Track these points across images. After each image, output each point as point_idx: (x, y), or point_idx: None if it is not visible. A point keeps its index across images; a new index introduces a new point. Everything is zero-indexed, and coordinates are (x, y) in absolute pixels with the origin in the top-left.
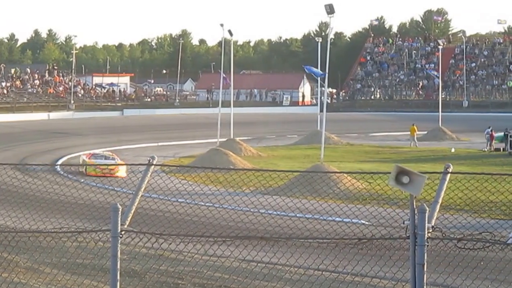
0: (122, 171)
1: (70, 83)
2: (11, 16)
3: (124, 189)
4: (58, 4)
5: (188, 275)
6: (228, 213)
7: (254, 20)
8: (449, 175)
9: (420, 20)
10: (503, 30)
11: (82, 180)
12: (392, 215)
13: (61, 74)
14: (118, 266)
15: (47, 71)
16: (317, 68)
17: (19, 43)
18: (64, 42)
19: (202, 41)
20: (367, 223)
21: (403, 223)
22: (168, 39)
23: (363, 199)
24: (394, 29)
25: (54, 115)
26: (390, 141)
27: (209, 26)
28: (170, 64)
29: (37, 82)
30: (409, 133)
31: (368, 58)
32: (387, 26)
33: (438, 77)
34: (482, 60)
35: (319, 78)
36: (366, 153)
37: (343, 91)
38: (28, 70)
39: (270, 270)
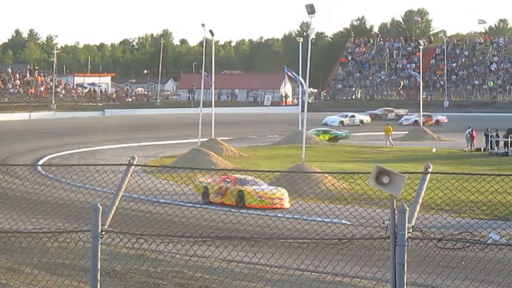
0: (286, 202)
1: (51, 83)
2: None
3: (104, 189)
4: (39, 4)
5: (169, 275)
6: (209, 213)
7: (235, 20)
8: (429, 175)
9: (401, 20)
10: (483, 30)
11: (63, 180)
12: (373, 215)
13: (42, 74)
14: (99, 267)
15: (28, 71)
16: (298, 67)
17: (0, 42)
18: (45, 42)
19: (183, 41)
20: (347, 223)
21: (383, 223)
22: (149, 39)
23: (344, 199)
24: (375, 29)
25: (36, 115)
26: (371, 141)
27: (190, 26)
28: (152, 64)
29: (18, 82)
30: (383, 133)
31: (349, 58)
32: (368, 26)
33: (419, 77)
34: (463, 60)
35: (299, 80)
36: (348, 153)
37: (325, 91)
38: (9, 70)
39: (251, 270)
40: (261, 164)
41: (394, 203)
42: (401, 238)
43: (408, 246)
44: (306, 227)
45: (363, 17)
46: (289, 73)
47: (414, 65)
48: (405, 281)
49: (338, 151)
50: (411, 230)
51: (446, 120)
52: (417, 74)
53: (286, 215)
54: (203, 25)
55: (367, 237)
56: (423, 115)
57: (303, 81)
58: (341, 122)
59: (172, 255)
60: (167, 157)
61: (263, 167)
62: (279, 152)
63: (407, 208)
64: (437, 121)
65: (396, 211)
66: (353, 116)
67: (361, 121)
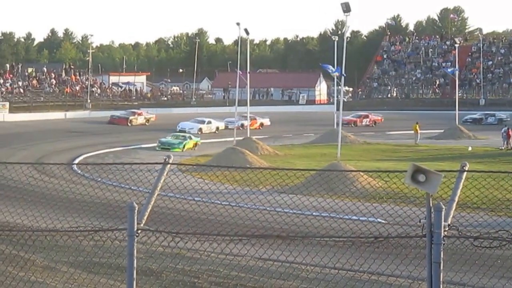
0: None
1: (86, 82)
2: (27, 16)
3: (140, 188)
4: (75, 3)
5: (204, 274)
6: (244, 212)
7: (270, 19)
8: (465, 173)
9: (437, 18)
10: None
11: (98, 179)
12: (409, 213)
13: (77, 74)
14: (135, 265)
15: (63, 71)
16: (334, 67)
17: (35, 42)
18: (80, 41)
19: (218, 40)
20: (383, 221)
21: (420, 221)
22: (184, 38)
23: (380, 198)
24: (411, 28)
25: (71, 114)
26: (406, 139)
27: (225, 25)
28: (187, 63)
29: (53, 81)
30: (412, 131)
31: (385, 56)
32: (403, 24)
33: (455, 75)
34: (499, 58)
35: (335, 77)
36: (383, 151)
37: (360, 89)
38: (45, 69)
39: (286, 268)
40: (296, 162)
41: (430, 202)
42: (437, 237)
43: (444, 244)
44: (342, 225)
45: (398, 15)
46: (327, 69)
47: (449, 63)
48: (441, 279)
49: (374, 150)
50: (447, 229)
51: (382, 120)
52: (454, 70)
53: (322, 214)
54: (238, 24)
55: (403, 236)
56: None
57: (335, 69)
58: (200, 129)
59: (208, 254)
60: (202, 156)
61: (298, 165)
62: (314, 151)
63: (443, 207)
64: (374, 122)
65: (432, 210)
66: (210, 123)
67: (217, 128)
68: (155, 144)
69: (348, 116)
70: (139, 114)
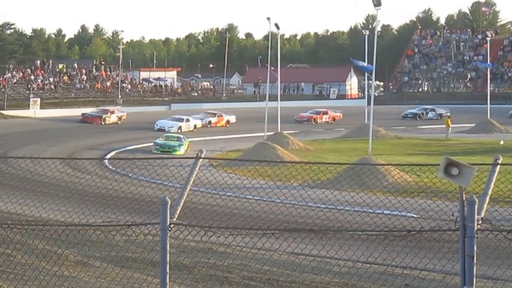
0: None
1: (117, 78)
2: (58, 12)
3: (172, 183)
4: None
5: (236, 268)
6: (277, 206)
7: (300, 13)
8: (498, 166)
9: (468, 12)
10: None
11: (131, 174)
12: (441, 207)
13: (108, 69)
14: (168, 259)
15: (94, 66)
16: (364, 61)
17: (66, 38)
18: (111, 37)
19: (248, 35)
20: (416, 215)
21: (452, 215)
22: (214, 33)
23: (412, 192)
24: (442, 21)
25: None
26: (438, 133)
27: (255, 20)
28: (217, 58)
29: (84, 77)
30: (444, 125)
31: (416, 50)
32: (434, 18)
33: (487, 68)
34: None
35: (365, 72)
36: (414, 146)
37: (391, 84)
38: (76, 65)
39: (319, 263)
40: (327, 157)
41: (463, 195)
42: (470, 230)
43: (477, 238)
44: (375, 219)
45: (429, 9)
46: (355, 64)
47: (481, 56)
48: (474, 273)
49: (404, 144)
50: (480, 222)
51: (341, 117)
52: (488, 64)
53: (355, 208)
54: (268, 18)
55: (436, 229)
56: (214, 114)
57: (369, 66)
58: (180, 127)
59: (240, 248)
60: (233, 151)
61: (329, 160)
62: (345, 146)
63: (476, 200)
64: (334, 119)
65: (465, 203)
66: (188, 120)
67: (195, 126)
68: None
69: (306, 113)
70: (112, 112)
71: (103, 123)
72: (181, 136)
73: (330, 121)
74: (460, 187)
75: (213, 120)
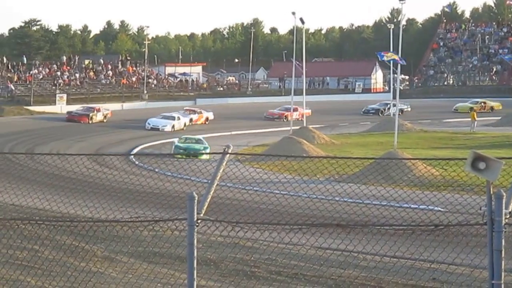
0: None
1: (143, 73)
2: (84, 8)
3: (199, 178)
4: None
5: (263, 263)
6: (304, 201)
7: (325, 8)
8: None
9: (493, 5)
10: None
11: (157, 170)
12: (469, 201)
13: (134, 65)
14: (195, 255)
15: (120, 62)
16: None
17: (92, 34)
18: (136, 33)
19: (273, 30)
20: (443, 209)
21: (480, 209)
22: (239, 28)
23: (439, 186)
24: (467, 15)
25: (128, 105)
26: (464, 127)
27: (280, 15)
28: (242, 53)
29: (110, 73)
30: (469, 118)
31: (441, 44)
32: (459, 11)
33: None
34: None
35: (391, 65)
36: (440, 139)
37: (416, 77)
38: (101, 61)
39: (346, 257)
40: (353, 151)
41: (491, 189)
42: (498, 224)
43: (505, 232)
44: (402, 214)
45: (454, 2)
46: (383, 58)
47: (506, 50)
48: (502, 267)
49: (431, 138)
50: (508, 216)
51: (309, 114)
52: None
53: (382, 202)
54: (293, 13)
55: (463, 223)
56: (194, 111)
57: (399, 60)
58: (173, 126)
59: (267, 243)
60: (259, 146)
61: (355, 154)
62: (371, 140)
63: (504, 194)
64: (302, 115)
65: (492, 197)
66: (179, 118)
67: (185, 124)
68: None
69: (276, 110)
70: (98, 110)
71: (90, 121)
72: (200, 138)
73: (300, 118)
74: (487, 181)
75: (194, 117)
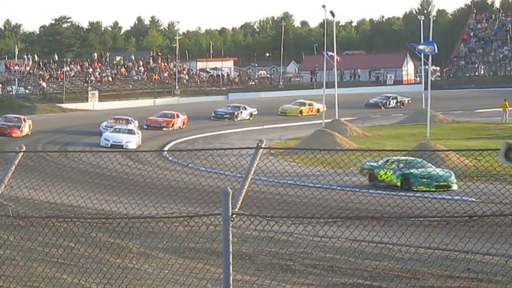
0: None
1: (174, 69)
2: (114, 5)
3: (233, 173)
4: None
5: (299, 257)
6: (338, 194)
7: (355, 0)
8: None
9: None
10: None
11: (191, 165)
12: (502, 191)
13: (165, 60)
14: (231, 249)
15: (151, 58)
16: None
17: (122, 31)
18: (167, 29)
19: (304, 23)
20: (477, 200)
21: None
22: (270, 22)
23: (472, 176)
24: (497, 5)
25: (160, 101)
26: (495, 117)
27: (310, 8)
28: (273, 46)
29: (141, 69)
30: (501, 108)
31: (471, 34)
32: (489, 1)
33: None
34: None
35: (422, 56)
36: (472, 130)
37: (447, 68)
38: (133, 57)
39: (381, 249)
40: (386, 143)
41: None
42: None
43: None
44: (436, 205)
45: None
46: (413, 48)
47: None
48: None
49: (463, 128)
50: None
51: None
52: None
53: (416, 194)
54: (323, 6)
55: (498, 214)
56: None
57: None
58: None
59: (302, 237)
60: (291, 139)
61: (387, 146)
62: (403, 131)
63: None
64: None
65: None
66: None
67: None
68: None
69: (155, 116)
70: (24, 120)
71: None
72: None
73: (182, 126)
74: None
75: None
